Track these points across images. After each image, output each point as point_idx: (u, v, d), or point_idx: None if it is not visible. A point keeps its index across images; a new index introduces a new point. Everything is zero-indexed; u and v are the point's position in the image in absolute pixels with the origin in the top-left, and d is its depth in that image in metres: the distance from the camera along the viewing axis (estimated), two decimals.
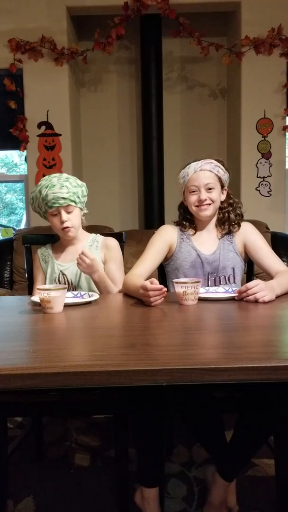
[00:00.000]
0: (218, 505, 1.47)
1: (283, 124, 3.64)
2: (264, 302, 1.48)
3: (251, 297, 1.50)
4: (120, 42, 3.91)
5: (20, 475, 1.86)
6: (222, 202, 1.87)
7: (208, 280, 1.83)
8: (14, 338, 1.19)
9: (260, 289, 1.49)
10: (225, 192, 1.87)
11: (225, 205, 1.88)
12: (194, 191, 1.82)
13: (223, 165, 1.87)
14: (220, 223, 1.89)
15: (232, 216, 1.87)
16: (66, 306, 1.51)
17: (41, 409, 1.58)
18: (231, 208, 1.87)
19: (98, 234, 1.98)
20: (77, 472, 1.88)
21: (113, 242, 1.93)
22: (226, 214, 1.88)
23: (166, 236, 1.89)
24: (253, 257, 1.86)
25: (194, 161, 1.86)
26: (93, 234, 1.96)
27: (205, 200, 1.79)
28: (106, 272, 1.87)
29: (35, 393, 1.51)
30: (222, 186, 1.86)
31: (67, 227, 1.81)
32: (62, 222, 1.80)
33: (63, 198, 1.77)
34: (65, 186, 1.78)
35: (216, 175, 1.82)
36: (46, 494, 1.74)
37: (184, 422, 1.56)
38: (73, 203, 1.80)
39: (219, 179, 1.83)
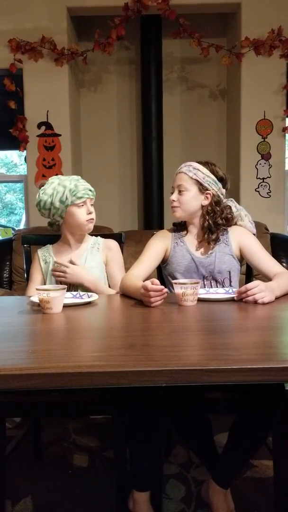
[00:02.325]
0: None
1: (283, 125, 3.65)
2: (264, 304, 1.48)
3: (250, 298, 1.49)
4: (120, 43, 3.91)
5: (19, 476, 1.86)
6: (203, 207, 1.83)
7: (204, 283, 1.82)
8: (13, 339, 1.18)
9: (259, 290, 1.49)
10: (208, 197, 1.81)
11: (204, 212, 1.83)
12: (172, 193, 1.88)
13: (211, 169, 1.83)
14: (201, 228, 1.85)
15: (206, 224, 1.81)
16: (65, 306, 1.51)
17: (39, 409, 1.58)
18: (207, 217, 1.81)
19: (99, 237, 1.99)
20: (75, 473, 1.88)
21: (114, 244, 1.96)
22: (202, 222, 1.83)
23: (161, 239, 1.89)
24: (250, 262, 1.84)
25: None
26: (93, 237, 1.97)
27: (173, 201, 1.86)
28: (108, 274, 1.91)
29: (34, 393, 1.51)
30: (206, 190, 1.81)
31: (92, 219, 1.87)
32: (89, 213, 1.86)
33: (90, 190, 1.86)
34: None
35: (192, 177, 1.80)
36: (45, 495, 1.74)
37: (176, 429, 1.56)
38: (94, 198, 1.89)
39: (197, 182, 1.80)
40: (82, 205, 1.84)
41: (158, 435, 1.52)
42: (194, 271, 1.83)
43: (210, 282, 1.82)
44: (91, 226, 1.89)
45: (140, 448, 1.49)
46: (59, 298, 1.43)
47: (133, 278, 1.72)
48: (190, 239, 1.88)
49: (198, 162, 1.84)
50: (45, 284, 1.89)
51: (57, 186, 1.82)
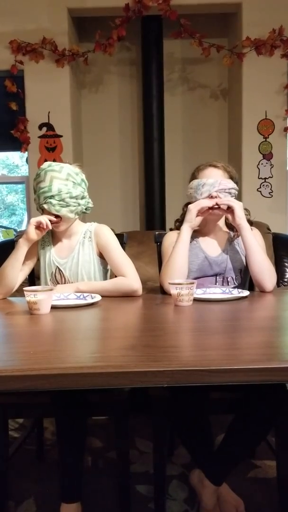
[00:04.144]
0: (212, 509, 1.46)
1: (284, 125, 3.64)
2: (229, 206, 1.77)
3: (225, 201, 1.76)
4: (121, 44, 3.91)
5: (21, 477, 1.86)
6: None
7: (216, 281, 1.85)
8: (14, 340, 1.18)
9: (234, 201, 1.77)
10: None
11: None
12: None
13: (234, 177, 1.92)
14: (225, 227, 1.95)
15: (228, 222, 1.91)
16: (68, 308, 1.51)
17: (42, 410, 1.58)
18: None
19: (93, 223, 1.92)
20: None
21: (103, 228, 1.88)
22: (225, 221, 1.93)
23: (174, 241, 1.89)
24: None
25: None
26: (87, 224, 1.92)
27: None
28: (108, 262, 1.84)
29: (36, 394, 1.51)
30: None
31: (56, 223, 1.79)
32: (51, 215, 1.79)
33: (53, 205, 1.75)
34: (58, 193, 1.75)
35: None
36: (47, 496, 1.73)
37: (175, 428, 1.55)
38: (63, 209, 1.77)
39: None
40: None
41: (83, 442, 1.50)
42: (208, 269, 1.86)
43: (223, 279, 1.85)
44: (59, 229, 1.83)
45: (67, 454, 1.48)
46: (47, 300, 1.43)
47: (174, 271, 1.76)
48: (204, 239, 1.92)
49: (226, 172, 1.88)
50: (45, 271, 1.88)
51: (35, 184, 1.81)
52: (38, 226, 1.76)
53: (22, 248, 1.79)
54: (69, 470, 1.47)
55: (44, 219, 1.75)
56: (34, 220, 1.75)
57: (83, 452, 1.50)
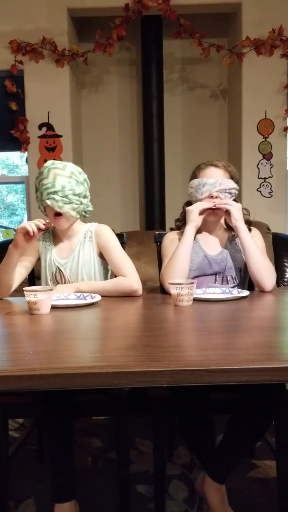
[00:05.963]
0: (220, 507, 1.46)
1: (284, 125, 3.64)
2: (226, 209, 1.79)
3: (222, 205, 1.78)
4: (121, 44, 3.91)
5: (21, 477, 1.86)
6: None
7: (216, 279, 1.86)
8: (14, 340, 1.18)
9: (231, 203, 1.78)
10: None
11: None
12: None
13: (235, 177, 1.91)
14: (226, 227, 1.96)
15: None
16: (68, 308, 1.51)
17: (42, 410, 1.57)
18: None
19: (93, 223, 1.93)
20: (78, 474, 1.88)
21: (103, 228, 1.88)
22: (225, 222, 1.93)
23: (173, 241, 1.90)
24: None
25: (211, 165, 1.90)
26: (88, 224, 1.92)
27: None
28: (108, 262, 1.84)
29: (36, 394, 1.51)
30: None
31: (59, 217, 1.78)
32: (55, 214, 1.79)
33: (56, 201, 1.75)
34: (61, 189, 1.74)
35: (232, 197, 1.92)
36: (47, 496, 1.73)
37: (177, 427, 1.55)
38: (66, 206, 1.77)
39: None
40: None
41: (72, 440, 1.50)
42: (207, 268, 1.86)
43: (222, 278, 1.85)
44: (61, 224, 1.82)
45: (58, 453, 1.47)
46: (47, 300, 1.43)
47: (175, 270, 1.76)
48: (204, 237, 1.92)
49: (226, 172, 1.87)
50: (46, 271, 1.87)
51: (37, 183, 1.80)
52: (26, 233, 1.69)
53: (14, 256, 1.73)
54: (59, 471, 1.47)
55: (32, 226, 1.66)
56: (20, 228, 1.68)
57: (72, 452, 1.49)
